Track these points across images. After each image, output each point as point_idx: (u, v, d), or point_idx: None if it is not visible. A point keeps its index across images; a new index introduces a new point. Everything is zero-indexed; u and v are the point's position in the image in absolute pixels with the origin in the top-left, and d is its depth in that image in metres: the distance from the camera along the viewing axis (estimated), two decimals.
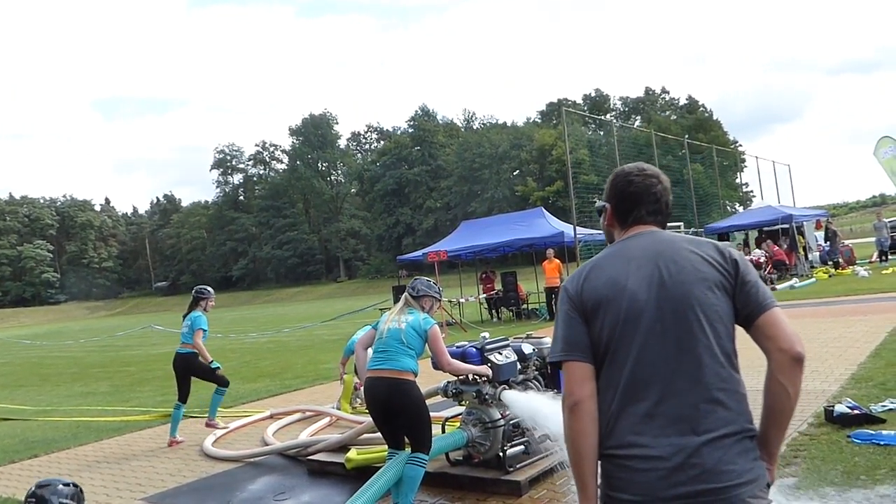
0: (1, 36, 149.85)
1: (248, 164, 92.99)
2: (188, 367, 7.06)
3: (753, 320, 1.74)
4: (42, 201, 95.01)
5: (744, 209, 39.73)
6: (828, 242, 22.54)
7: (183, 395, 7.09)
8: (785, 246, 21.45)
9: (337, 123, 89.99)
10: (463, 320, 18.41)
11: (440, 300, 4.64)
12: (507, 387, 4.75)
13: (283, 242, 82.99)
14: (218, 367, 7.15)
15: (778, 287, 17.55)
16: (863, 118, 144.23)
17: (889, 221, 23.90)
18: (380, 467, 4.30)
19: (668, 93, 78.18)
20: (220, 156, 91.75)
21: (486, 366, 4.69)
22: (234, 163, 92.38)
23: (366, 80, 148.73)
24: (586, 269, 1.86)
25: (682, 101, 75.99)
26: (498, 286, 19.70)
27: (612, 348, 1.75)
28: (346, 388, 7.57)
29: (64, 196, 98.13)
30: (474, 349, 4.76)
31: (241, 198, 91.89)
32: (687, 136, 33.11)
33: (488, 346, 4.81)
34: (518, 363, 4.93)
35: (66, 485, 3.90)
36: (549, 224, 19.57)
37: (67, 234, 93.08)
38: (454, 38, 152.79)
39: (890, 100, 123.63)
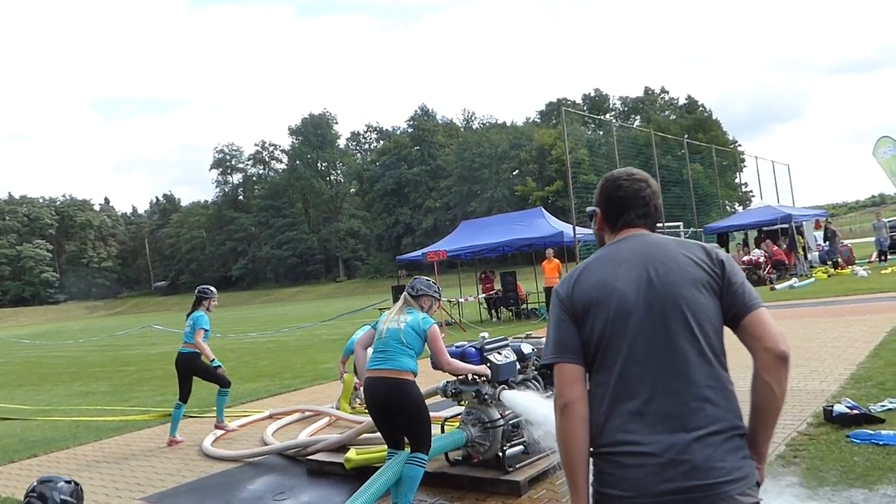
0: (1, 36, 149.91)
1: (247, 164, 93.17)
2: (190, 367, 7.06)
3: (740, 320, 1.77)
4: (41, 201, 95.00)
5: (743, 209, 39.84)
6: (827, 242, 22.56)
7: (184, 395, 7.09)
8: (784, 246, 21.46)
9: (336, 123, 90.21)
10: (462, 320, 18.40)
11: (439, 300, 4.64)
12: (506, 387, 4.75)
13: (283, 242, 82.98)
14: (219, 366, 7.15)
15: (777, 287, 17.55)
16: (862, 118, 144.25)
17: (888, 221, 23.92)
18: (379, 467, 4.30)
19: (667, 92, 78.33)
20: (220, 155, 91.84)
21: (485, 366, 4.69)
22: (233, 162, 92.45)
23: (365, 79, 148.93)
24: (577, 272, 1.91)
25: (682, 101, 76.08)
26: (497, 286, 19.70)
27: (602, 348, 1.78)
28: (345, 388, 7.57)
29: (63, 196, 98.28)
30: (473, 349, 4.76)
31: (241, 197, 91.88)
32: (686, 135, 33.15)
33: (487, 346, 4.81)
34: (517, 363, 4.92)
35: (68, 482, 3.99)
36: (548, 224, 19.56)
37: (67, 234, 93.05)
38: (454, 37, 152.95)
39: (889, 100, 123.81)
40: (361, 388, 4.67)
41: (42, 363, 20.12)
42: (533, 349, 5.18)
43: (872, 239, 23.69)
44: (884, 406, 5.29)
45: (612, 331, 1.77)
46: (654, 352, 1.74)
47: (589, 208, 2.08)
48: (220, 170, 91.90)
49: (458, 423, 4.96)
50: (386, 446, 4.37)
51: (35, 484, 3.92)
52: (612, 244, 1.93)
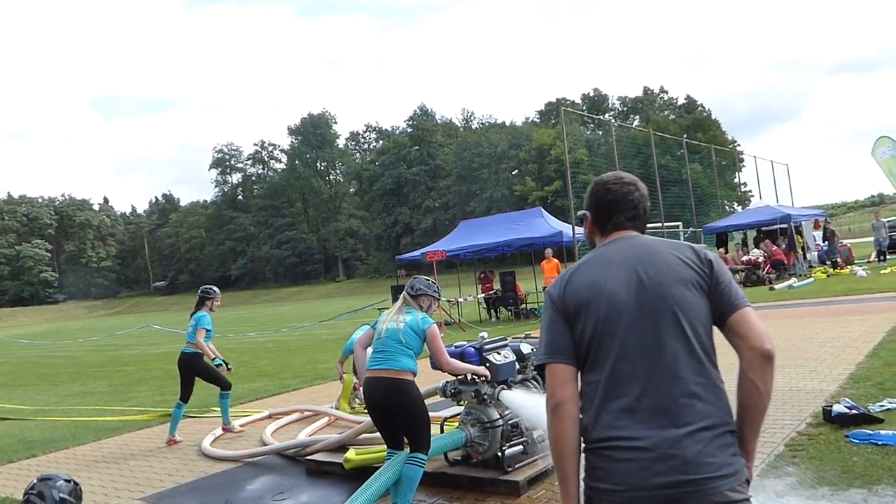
0: (1, 35, 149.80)
1: (246, 164, 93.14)
2: (191, 367, 7.06)
3: (726, 319, 1.81)
4: (40, 200, 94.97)
5: (742, 209, 39.83)
6: (826, 242, 22.57)
7: (185, 395, 7.09)
8: (783, 245, 21.47)
9: (336, 123, 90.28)
10: (461, 320, 18.39)
11: (438, 299, 4.64)
12: (505, 387, 4.75)
13: (282, 242, 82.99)
14: (221, 364, 7.15)
15: (776, 287, 17.54)
16: (862, 118, 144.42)
17: (887, 221, 23.94)
18: (378, 467, 4.30)
19: (666, 92, 78.43)
20: (219, 155, 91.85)
21: (484, 366, 4.69)
22: (232, 162, 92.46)
23: (365, 79, 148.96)
24: (568, 273, 1.95)
25: (681, 101, 76.16)
26: (496, 286, 19.70)
27: (594, 348, 1.82)
28: (345, 388, 7.57)
29: (62, 195, 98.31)
30: (473, 349, 4.76)
31: (240, 197, 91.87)
32: (685, 135, 33.14)
33: (487, 346, 4.81)
34: (516, 363, 4.92)
35: (67, 481, 4.02)
36: (547, 224, 19.56)
37: (66, 234, 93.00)
38: (453, 37, 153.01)
39: (889, 100, 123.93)
40: (361, 388, 4.66)
41: (41, 363, 20.12)
42: (532, 349, 5.17)
43: (871, 239, 23.70)
44: (883, 406, 5.30)
45: (603, 330, 1.80)
46: (644, 350, 1.77)
47: (580, 212, 2.13)
48: (220, 169, 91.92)
49: (457, 423, 4.96)
50: (385, 446, 4.37)
51: (35, 482, 3.95)
52: (603, 246, 1.97)
